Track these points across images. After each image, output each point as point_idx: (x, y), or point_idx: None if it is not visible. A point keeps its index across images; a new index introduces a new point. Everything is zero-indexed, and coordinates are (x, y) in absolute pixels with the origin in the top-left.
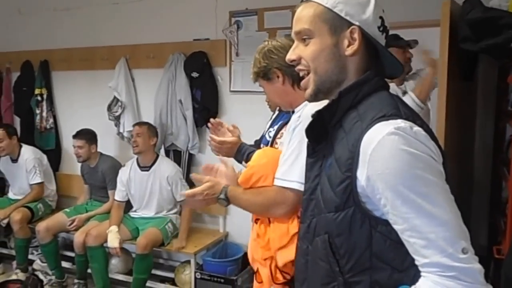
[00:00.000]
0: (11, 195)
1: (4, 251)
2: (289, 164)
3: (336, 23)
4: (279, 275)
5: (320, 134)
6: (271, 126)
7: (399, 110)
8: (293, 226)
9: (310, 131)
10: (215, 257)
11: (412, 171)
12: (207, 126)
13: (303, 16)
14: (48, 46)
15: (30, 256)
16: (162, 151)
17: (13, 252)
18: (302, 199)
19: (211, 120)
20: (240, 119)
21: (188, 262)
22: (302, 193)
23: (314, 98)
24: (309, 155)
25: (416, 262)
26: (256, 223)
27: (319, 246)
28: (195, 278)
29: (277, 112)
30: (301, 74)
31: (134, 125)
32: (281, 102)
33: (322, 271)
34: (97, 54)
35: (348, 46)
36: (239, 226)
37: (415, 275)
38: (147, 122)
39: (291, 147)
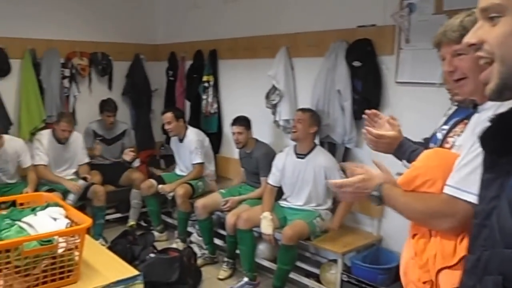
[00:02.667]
0: (177, 171)
1: (169, 220)
2: (467, 172)
3: None
4: None
5: (503, 144)
6: (445, 123)
7: None
8: (462, 247)
9: (488, 139)
10: (365, 261)
11: None
12: (362, 117)
13: None
14: (217, 36)
15: (189, 229)
16: (317, 142)
17: (176, 223)
18: (473, 223)
19: (367, 111)
20: (405, 114)
21: (335, 261)
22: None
23: (497, 95)
24: (486, 169)
25: None
26: (414, 238)
27: None
28: (342, 280)
29: (454, 108)
30: (481, 62)
31: (297, 110)
32: (479, 86)
33: None
34: (259, 43)
35: None
36: (395, 231)
37: None
38: (311, 109)
39: (473, 152)
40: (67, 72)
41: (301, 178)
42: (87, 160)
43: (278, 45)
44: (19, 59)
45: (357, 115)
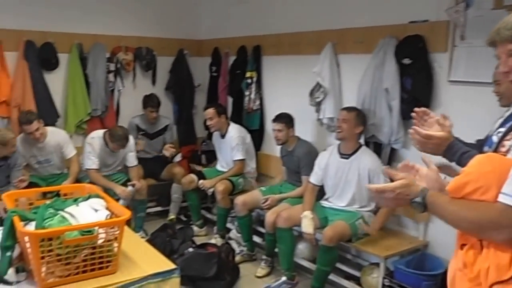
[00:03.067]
0: (218, 167)
1: (209, 216)
2: None
3: None
4: None
5: None
6: (501, 125)
7: None
8: None
9: None
10: (409, 266)
11: None
12: (411, 117)
13: None
14: (261, 32)
15: (228, 225)
16: (362, 142)
17: (215, 218)
18: None
19: (416, 109)
20: (458, 114)
21: (377, 264)
22: None
23: None
24: None
25: None
26: (462, 249)
27: None
28: (383, 284)
29: None
30: None
31: (342, 110)
32: None
33: None
34: (305, 39)
35: None
36: (443, 237)
37: None
38: (356, 108)
39: None
40: (112, 67)
41: (344, 179)
42: (136, 163)
43: (324, 41)
44: (67, 53)
45: (405, 115)
